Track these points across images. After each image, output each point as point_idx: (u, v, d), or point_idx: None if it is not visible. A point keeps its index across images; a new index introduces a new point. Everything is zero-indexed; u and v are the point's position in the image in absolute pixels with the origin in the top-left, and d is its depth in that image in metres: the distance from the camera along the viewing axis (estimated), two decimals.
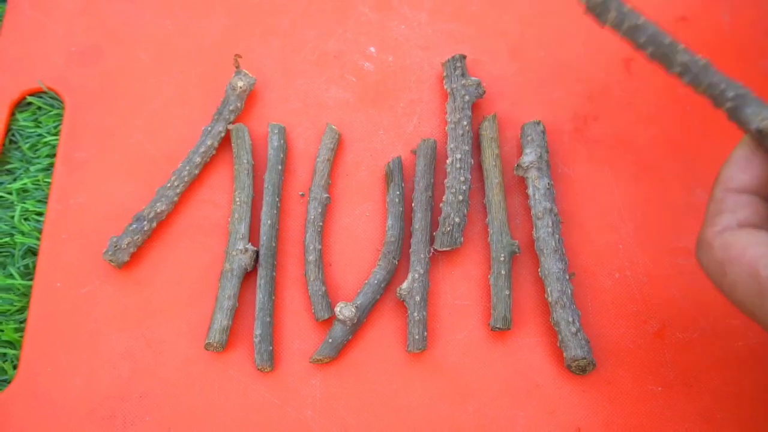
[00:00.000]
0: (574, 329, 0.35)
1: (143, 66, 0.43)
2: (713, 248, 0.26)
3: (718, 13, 0.43)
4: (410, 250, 0.38)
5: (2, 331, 0.37)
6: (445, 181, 0.38)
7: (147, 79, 0.43)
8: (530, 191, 0.38)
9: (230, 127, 0.40)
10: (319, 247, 0.38)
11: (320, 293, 0.37)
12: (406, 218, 0.39)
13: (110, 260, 0.37)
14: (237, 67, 0.40)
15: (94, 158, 0.40)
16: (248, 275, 0.37)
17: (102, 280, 0.38)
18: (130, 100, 0.42)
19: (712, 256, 0.27)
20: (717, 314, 0.37)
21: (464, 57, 0.41)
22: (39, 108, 0.42)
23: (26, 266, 0.39)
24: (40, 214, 0.40)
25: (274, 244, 0.38)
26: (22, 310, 0.38)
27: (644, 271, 0.38)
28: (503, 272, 0.36)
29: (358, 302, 0.36)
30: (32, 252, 0.39)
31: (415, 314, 0.36)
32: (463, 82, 0.40)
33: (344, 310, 0.35)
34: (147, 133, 0.41)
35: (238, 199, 0.38)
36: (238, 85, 0.40)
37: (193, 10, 0.44)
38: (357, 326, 0.36)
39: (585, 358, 0.34)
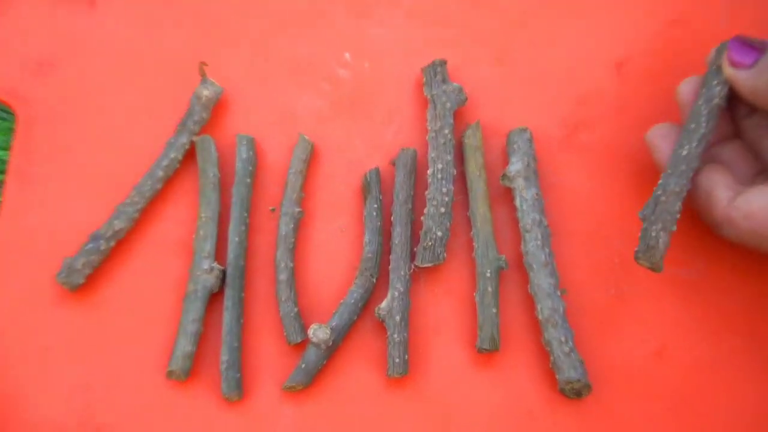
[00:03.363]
0: (567, 349, 0.36)
1: (103, 77, 0.44)
2: (737, 222, 0.34)
3: (715, 14, 0.45)
4: (389, 267, 0.39)
5: None
6: (426, 192, 0.40)
7: (107, 90, 0.44)
8: (517, 202, 0.40)
9: (195, 138, 0.41)
10: (291, 265, 0.39)
11: (292, 314, 0.38)
12: (384, 233, 0.40)
13: (63, 283, 0.38)
14: (202, 76, 0.42)
15: (49, 174, 0.42)
16: (214, 297, 0.39)
17: (54, 304, 0.39)
18: (88, 113, 0.44)
19: (741, 229, 0.34)
20: (722, 332, 0.39)
21: (445, 62, 0.42)
22: None
23: None
24: None
25: (242, 263, 0.39)
26: None
27: (642, 286, 0.40)
28: (490, 289, 0.38)
29: (334, 324, 0.38)
30: None
31: (395, 336, 0.37)
32: (444, 88, 0.42)
33: (318, 333, 0.37)
34: (107, 147, 0.43)
35: (203, 215, 0.40)
36: (204, 94, 0.41)
37: (157, 17, 0.46)
38: (332, 350, 0.38)
39: (580, 381, 0.36)
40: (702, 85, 0.37)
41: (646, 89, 0.45)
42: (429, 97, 0.42)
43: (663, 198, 0.35)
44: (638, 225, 0.39)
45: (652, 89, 0.45)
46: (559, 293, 0.38)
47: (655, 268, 0.35)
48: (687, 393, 0.38)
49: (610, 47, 0.46)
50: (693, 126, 0.36)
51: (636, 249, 0.35)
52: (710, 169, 0.37)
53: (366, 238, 0.40)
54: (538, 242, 0.39)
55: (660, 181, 0.36)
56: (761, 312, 0.40)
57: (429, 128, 0.42)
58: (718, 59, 0.37)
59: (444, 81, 0.42)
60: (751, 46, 0.35)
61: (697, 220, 0.39)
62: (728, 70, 0.36)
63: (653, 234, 0.34)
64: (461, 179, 0.42)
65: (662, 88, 0.44)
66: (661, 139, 0.38)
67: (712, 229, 0.37)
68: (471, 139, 0.42)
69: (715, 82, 0.37)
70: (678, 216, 0.35)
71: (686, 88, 0.38)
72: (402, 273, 0.39)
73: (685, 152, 0.36)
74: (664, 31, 0.46)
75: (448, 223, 0.39)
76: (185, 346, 0.37)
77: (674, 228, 0.34)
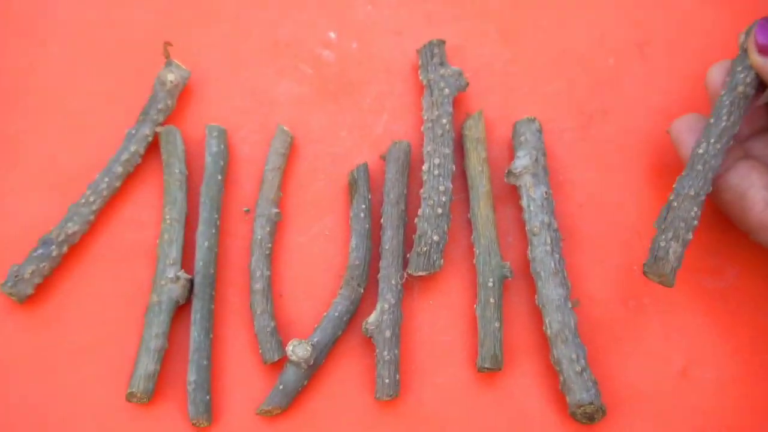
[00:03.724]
0: (578, 368, 0.36)
1: (54, 58, 0.45)
2: None
3: None
4: (378, 275, 0.39)
5: None
6: (421, 191, 0.40)
7: (58, 73, 0.44)
8: (524, 202, 0.39)
9: (159, 129, 0.42)
10: (268, 273, 0.39)
11: (268, 329, 0.38)
12: (373, 237, 0.40)
13: (10, 293, 0.38)
14: (167, 58, 0.42)
15: None
16: (180, 309, 0.39)
17: (0, 317, 0.39)
18: (37, 99, 0.44)
19: None
20: (755, 347, 0.38)
21: (443, 42, 0.43)
22: None
23: None
24: None
25: (212, 271, 0.39)
26: None
27: (664, 296, 0.39)
28: (492, 301, 0.38)
29: (315, 340, 0.37)
30: None
31: (385, 353, 0.37)
32: (441, 72, 0.41)
33: (298, 350, 0.36)
34: (58, 138, 0.43)
35: (168, 217, 0.40)
36: (169, 78, 0.41)
37: None
38: (314, 369, 0.37)
39: (592, 404, 0.35)
40: (729, 71, 0.37)
41: (671, 74, 0.45)
42: (425, 82, 0.42)
43: (675, 203, 0.35)
44: None
45: (678, 74, 0.45)
46: (570, 305, 0.38)
47: (665, 283, 0.34)
48: (715, 417, 0.38)
49: (631, 25, 0.46)
50: (713, 120, 0.36)
51: (644, 261, 0.35)
52: (744, 167, 0.36)
53: (352, 243, 0.40)
54: (547, 247, 0.38)
55: (675, 184, 0.35)
56: None
57: (424, 118, 0.42)
58: (746, 42, 0.36)
59: (442, 64, 0.42)
60: None
61: (728, 223, 0.39)
62: (754, 56, 0.35)
63: (662, 244, 0.34)
64: (461, 176, 0.42)
65: (690, 73, 0.44)
66: (687, 132, 0.37)
67: (745, 233, 0.36)
68: (472, 131, 0.41)
69: (740, 68, 0.36)
70: (696, 223, 0.34)
71: (716, 73, 0.37)
72: (393, 282, 0.39)
73: (701, 150, 0.35)
74: (693, 6, 0.46)
75: (446, 226, 0.39)
76: (148, 364, 0.37)
77: (690, 237, 0.34)
